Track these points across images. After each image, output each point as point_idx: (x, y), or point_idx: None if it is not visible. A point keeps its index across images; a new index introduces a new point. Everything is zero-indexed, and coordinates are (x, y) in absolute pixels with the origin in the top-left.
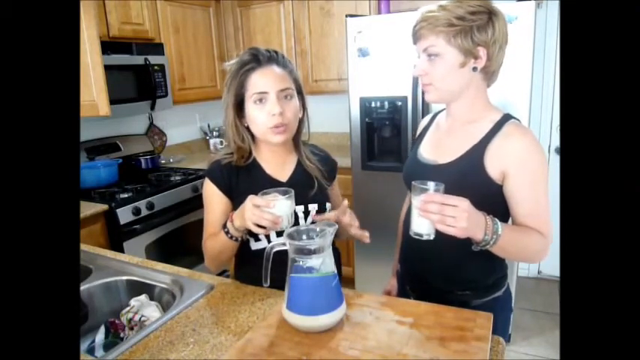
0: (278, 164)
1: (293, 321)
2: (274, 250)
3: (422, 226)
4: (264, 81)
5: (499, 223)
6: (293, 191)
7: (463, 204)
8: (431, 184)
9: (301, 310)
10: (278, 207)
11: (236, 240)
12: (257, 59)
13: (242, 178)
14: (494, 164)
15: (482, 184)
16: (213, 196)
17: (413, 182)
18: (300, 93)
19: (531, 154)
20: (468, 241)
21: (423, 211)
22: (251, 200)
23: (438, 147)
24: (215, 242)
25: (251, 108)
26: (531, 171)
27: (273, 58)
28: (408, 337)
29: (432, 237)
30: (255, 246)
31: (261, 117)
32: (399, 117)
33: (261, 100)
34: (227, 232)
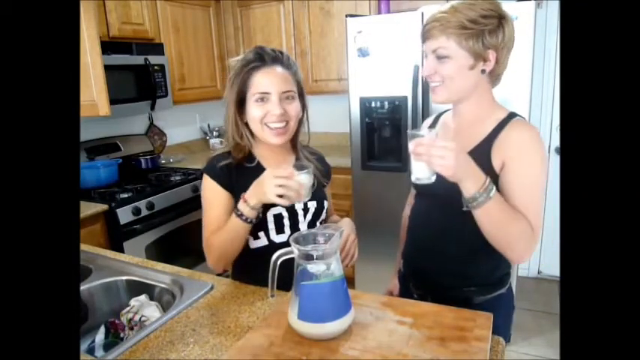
0: (277, 162)
1: (302, 329)
2: (281, 259)
3: (419, 171)
4: (267, 81)
5: (494, 187)
6: (312, 166)
7: (451, 144)
8: (424, 131)
9: (311, 317)
10: (301, 182)
11: (250, 222)
12: (262, 58)
13: (241, 176)
14: (497, 157)
15: (473, 161)
16: (214, 193)
17: (408, 131)
18: (301, 94)
19: (531, 146)
20: (474, 233)
21: (414, 154)
22: (272, 172)
23: None
24: (223, 234)
25: (252, 106)
26: (528, 162)
27: (277, 58)
28: (408, 337)
29: (432, 180)
30: (254, 244)
31: (261, 115)
32: (399, 117)
33: (262, 99)
34: (241, 215)
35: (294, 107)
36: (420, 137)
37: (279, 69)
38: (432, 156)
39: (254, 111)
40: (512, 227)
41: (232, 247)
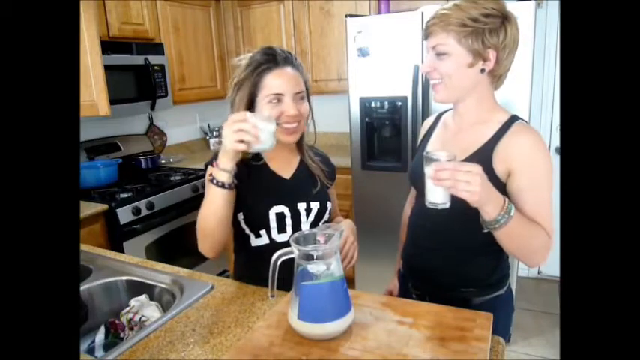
0: (282, 162)
1: (302, 329)
2: (281, 259)
3: (436, 196)
4: (279, 82)
5: (513, 206)
6: (274, 120)
7: (476, 169)
8: (443, 154)
9: (311, 317)
10: (258, 126)
11: (222, 187)
12: (274, 59)
13: (245, 174)
14: (501, 164)
15: (491, 184)
16: None
17: (424, 153)
18: (307, 94)
19: (537, 153)
20: (474, 234)
21: (435, 179)
22: (230, 118)
23: (446, 146)
24: (204, 208)
25: (265, 107)
26: (536, 170)
27: (288, 59)
28: (408, 337)
29: (447, 206)
30: (255, 242)
31: (275, 115)
32: (399, 117)
33: (277, 100)
34: (212, 180)
35: (305, 107)
36: (438, 161)
37: (290, 70)
38: (458, 182)
39: (268, 112)
40: (533, 240)
41: (214, 223)
